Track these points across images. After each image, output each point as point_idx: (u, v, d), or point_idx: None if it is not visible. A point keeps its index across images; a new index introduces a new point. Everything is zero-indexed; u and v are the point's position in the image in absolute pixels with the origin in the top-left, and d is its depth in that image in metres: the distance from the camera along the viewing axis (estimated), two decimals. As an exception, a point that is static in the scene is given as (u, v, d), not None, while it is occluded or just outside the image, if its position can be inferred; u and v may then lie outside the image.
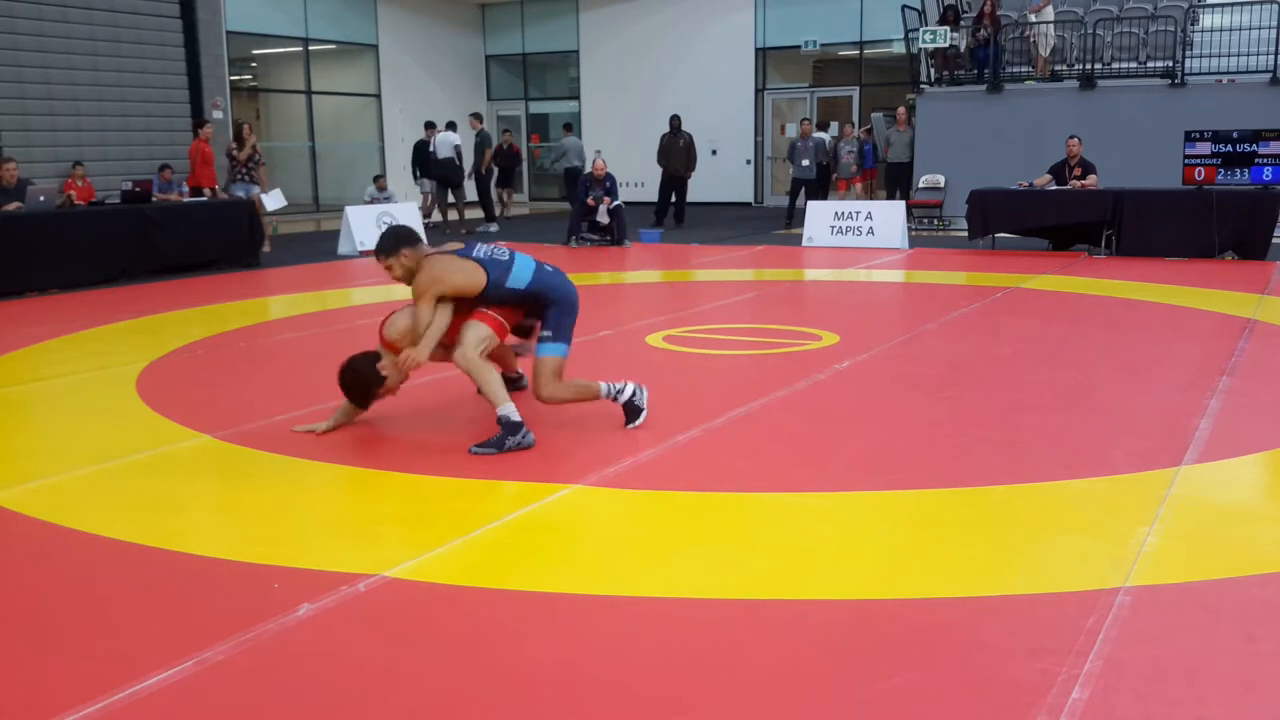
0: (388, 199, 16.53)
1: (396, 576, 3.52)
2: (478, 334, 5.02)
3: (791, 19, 21.96)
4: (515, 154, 19.91)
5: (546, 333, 5.11)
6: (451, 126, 17.73)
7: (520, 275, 5.06)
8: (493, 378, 5.00)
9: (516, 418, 4.92)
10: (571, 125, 21.46)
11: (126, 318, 9.05)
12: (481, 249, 5.13)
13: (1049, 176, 13.35)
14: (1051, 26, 16.74)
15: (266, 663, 2.96)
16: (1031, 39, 16.82)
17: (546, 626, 3.20)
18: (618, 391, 5.23)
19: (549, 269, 5.16)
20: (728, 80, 22.58)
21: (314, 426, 5.28)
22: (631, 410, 5.26)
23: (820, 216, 14.71)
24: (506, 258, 5.10)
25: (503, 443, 4.90)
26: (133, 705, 2.72)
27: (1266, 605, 3.27)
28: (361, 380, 5.20)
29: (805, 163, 17.07)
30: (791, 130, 22.70)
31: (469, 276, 5.00)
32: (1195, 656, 2.95)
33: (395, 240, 5.10)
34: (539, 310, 5.17)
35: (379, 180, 17.06)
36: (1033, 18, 16.77)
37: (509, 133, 20.39)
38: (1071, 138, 13.30)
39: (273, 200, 14.51)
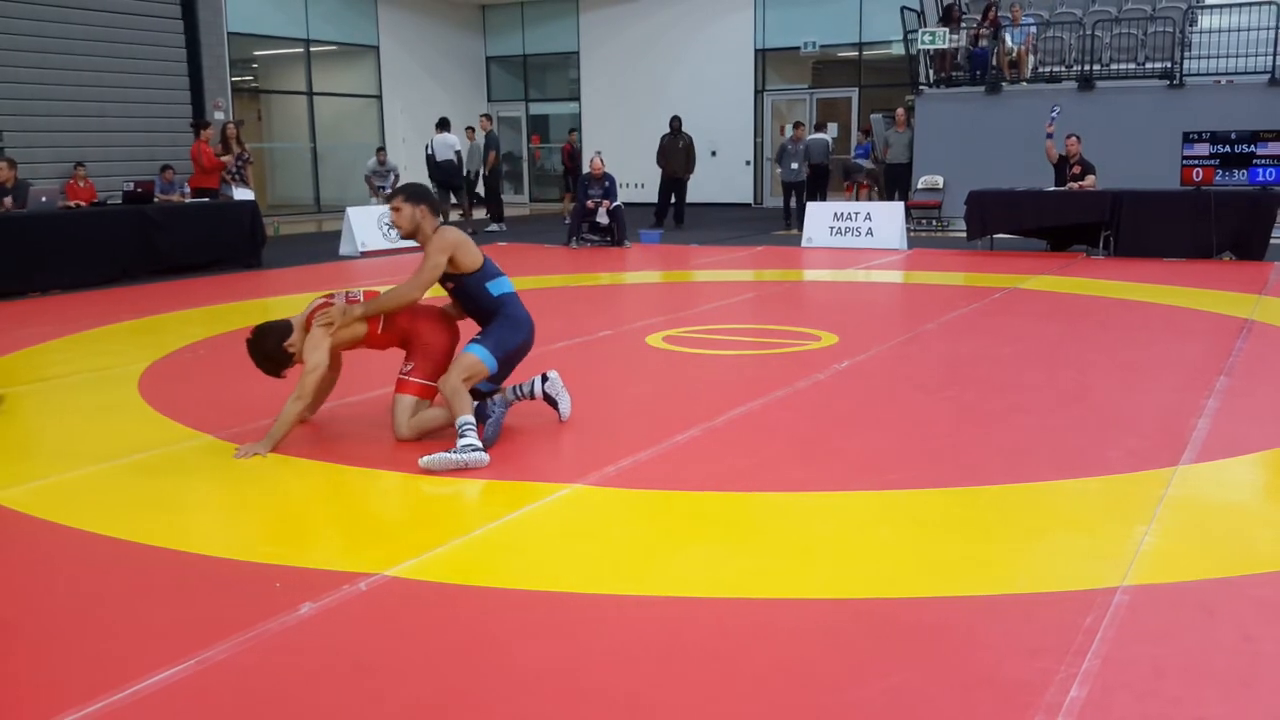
0: (390, 171, 16.53)
1: (398, 575, 3.53)
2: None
3: (791, 20, 21.98)
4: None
5: (479, 336, 5.08)
6: (446, 126, 17.68)
7: (500, 286, 5.18)
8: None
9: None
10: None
11: (128, 318, 9.07)
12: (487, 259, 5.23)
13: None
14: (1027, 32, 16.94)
15: (268, 662, 2.97)
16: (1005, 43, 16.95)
17: (547, 626, 3.21)
18: (528, 391, 5.30)
19: (522, 312, 5.21)
20: (727, 81, 22.61)
21: (255, 448, 4.96)
22: (552, 400, 5.32)
23: (819, 217, 14.73)
24: (498, 270, 5.22)
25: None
26: (134, 705, 2.73)
27: (1264, 604, 3.28)
28: (269, 359, 5.20)
29: (794, 165, 17.07)
30: (790, 131, 22.75)
31: (474, 257, 5.11)
32: (1193, 655, 2.96)
33: (422, 194, 5.18)
34: (488, 322, 5.16)
35: (380, 153, 17.08)
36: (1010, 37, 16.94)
37: (574, 132, 20.11)
38: (1070, 136, 13.33)
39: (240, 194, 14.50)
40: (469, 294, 5.17)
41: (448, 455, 4.64)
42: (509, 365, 5.18)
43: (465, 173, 17.78)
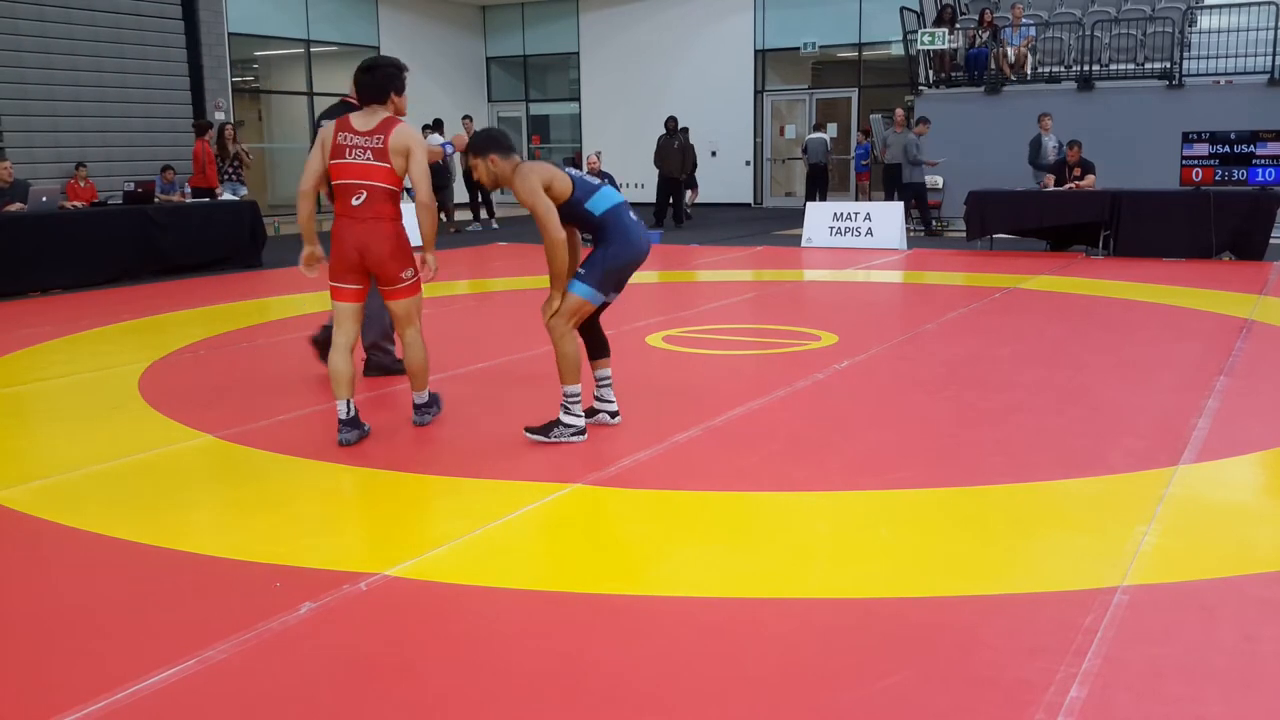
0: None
1: (398, 575, 3.53)
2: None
3: (790, 21, 21.99)
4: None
5: (581, 270, 5.04)
6: (438, 127, 17.66)
7: (599, 203, 5.01)
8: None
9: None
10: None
11: (129, 318, 9.07)
12: (573, 170, 5.08)
13: (1052, 176, 13.43)
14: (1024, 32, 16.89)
15: (268, 661, 2.97)
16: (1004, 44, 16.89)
17: (547, 625, 3.21)
18: (591, 411, 5.32)
19: (632, 216, 5.10)
20: (727, 82, 22.62)
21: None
22: (596, 413, 5.36)
23: (819, 217, 14.73)
24: (595, 183, 5.08)
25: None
26: (134, 704, 2.73)
27: (1264, 604, 3.28)
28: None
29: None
30: (791, 131, 22.76)
31: (563, 184, 4.94)
32: (1193, 655, 2.96)
33: (482, 145, 5.01)
34: (598, 242, 5.08)
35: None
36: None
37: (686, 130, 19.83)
38: (1071, 146, 13.34)
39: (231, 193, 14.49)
40: (574, 219, 5.05)
41: (545, 435, 5.04)
42: (620, 284, 5.13)
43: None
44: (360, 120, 5.08)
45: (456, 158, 17.21)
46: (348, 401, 5.08)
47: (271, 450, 5.02)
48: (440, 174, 17.35)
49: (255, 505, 4.33)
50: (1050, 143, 14.29)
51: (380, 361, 6.59)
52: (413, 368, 5.30)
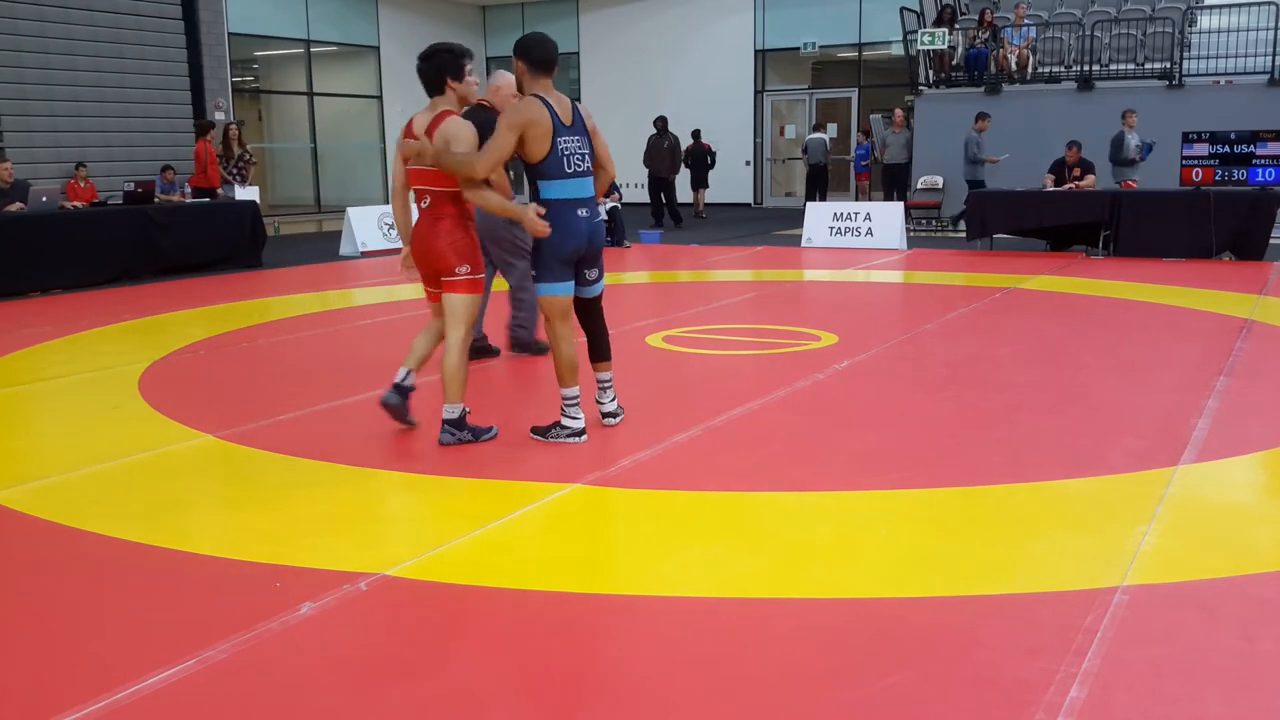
0: None
1: (398, 575, 3.53)
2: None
3: (790, 21, 21.99)
4: (707, 150, 19.76)
5: (533, 272, 5.00)
6: None
7: (552, 189, 4.83)
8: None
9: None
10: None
11: (129, 318, 9.08)
12: (571, 144, 4.86)
13: (1051, 176, 13.43)
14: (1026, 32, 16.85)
15: (268, 661, 2.97)
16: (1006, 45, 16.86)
17: (547, 625, 3.21)
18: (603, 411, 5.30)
19: (579, 213, 4.88)
20: (727, 82, 22.62)
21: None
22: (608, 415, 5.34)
23: (819, 217, 14.74)
24: (570, 170, 4.84)
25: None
26: (134, 704, 2.74)
27: (1264, 604, 3.28)
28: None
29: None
30: (791, 131, 22.77)
31: (538, 146, 4.76)
32: (1193, 655, 2.96)
33: (528, 47, 4.97)
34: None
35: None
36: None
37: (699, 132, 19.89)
38: (1071, 146, 13.33)
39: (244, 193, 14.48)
40: (530, 183, 4.90)
41: (544, 435, 5.07)
42: (580, 267, 5.01)
43: None
44: (420, 120, 5.05)
45: None
46: (407, 371, 5.18)
47: (271, 450, 5.02)
48: None
49: (255, 505, 4.33)
50: (1133, 141, 13.79)
51: (521, 339, 7.25)
52: (444, 373, 5.03)
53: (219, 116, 17.39)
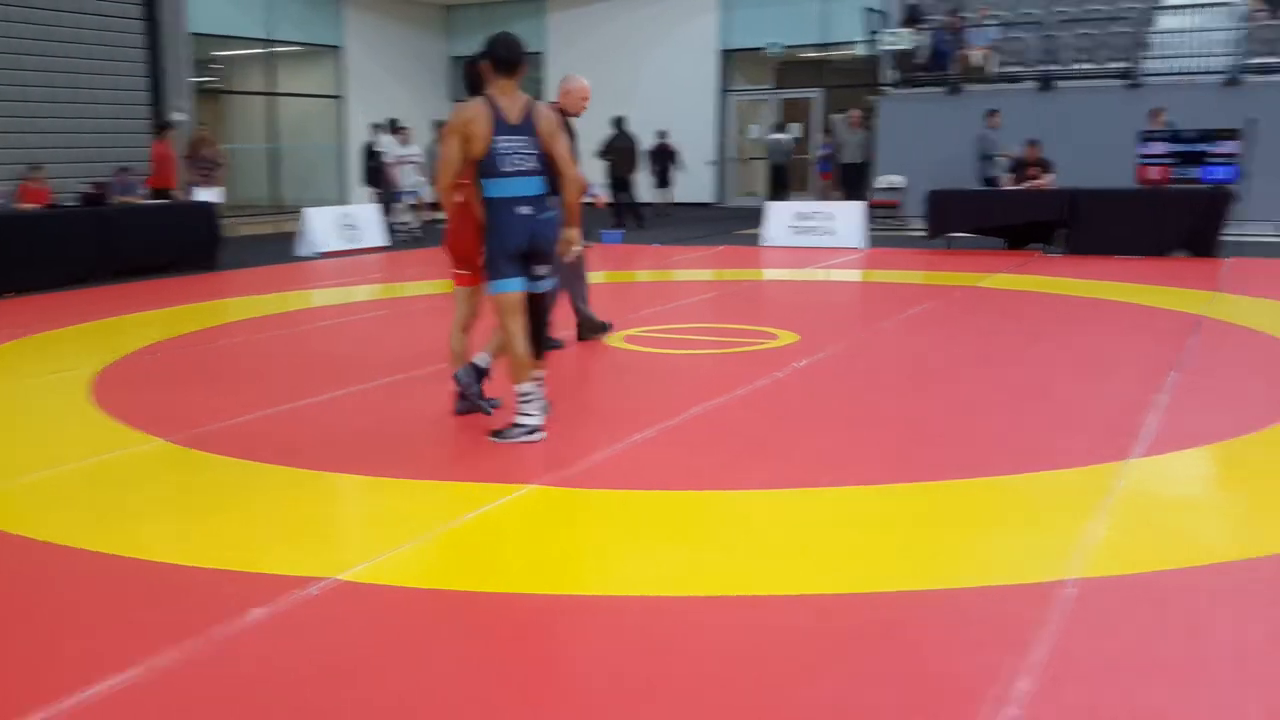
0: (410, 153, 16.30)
1: (350, 580, 3.50)
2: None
3: (755, 21, 22.03)
4: (671, 151, 19.84)
5: (486, 270, 5.09)
6: (392, 127, 17.55)
7: (491, 187, 4.91)
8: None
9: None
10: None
11: (82, 321, 8.95)
12: (514, 143, 4.90)
13: (1010, 175, 13.56)
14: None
15: (217, 668, 2.94)
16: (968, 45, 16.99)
17: (502, 628, 3.20)
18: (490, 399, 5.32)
19: (520, 211, 4.91)
20: (692, 82, 22.63)
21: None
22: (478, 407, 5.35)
23: (780, 217, 14.79)
24: (508, 169, 4.88)
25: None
26: (80, 712, 2.69)
27: (1211, 596, 3.32)
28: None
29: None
30: (754, 131, 22.82)
31: (476, 144, 4.85)
32: (1141, 647, 2.99)
33: (493, 47, 5.11)
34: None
35: (401, 134, 16.78)
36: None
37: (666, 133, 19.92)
38: (1031, 144, 13.47)
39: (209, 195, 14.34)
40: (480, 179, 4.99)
41: (501, 437, 5.04)
42: (529, 262, 5.03)
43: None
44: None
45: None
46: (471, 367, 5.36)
47: (225, 454, 4.96)
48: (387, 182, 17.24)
49: (206, 510, 4.28)
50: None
51: (589, 324, 7.54)
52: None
53: (178, 117, 17.19)
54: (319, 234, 14.35)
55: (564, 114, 6.40)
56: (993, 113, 14.95)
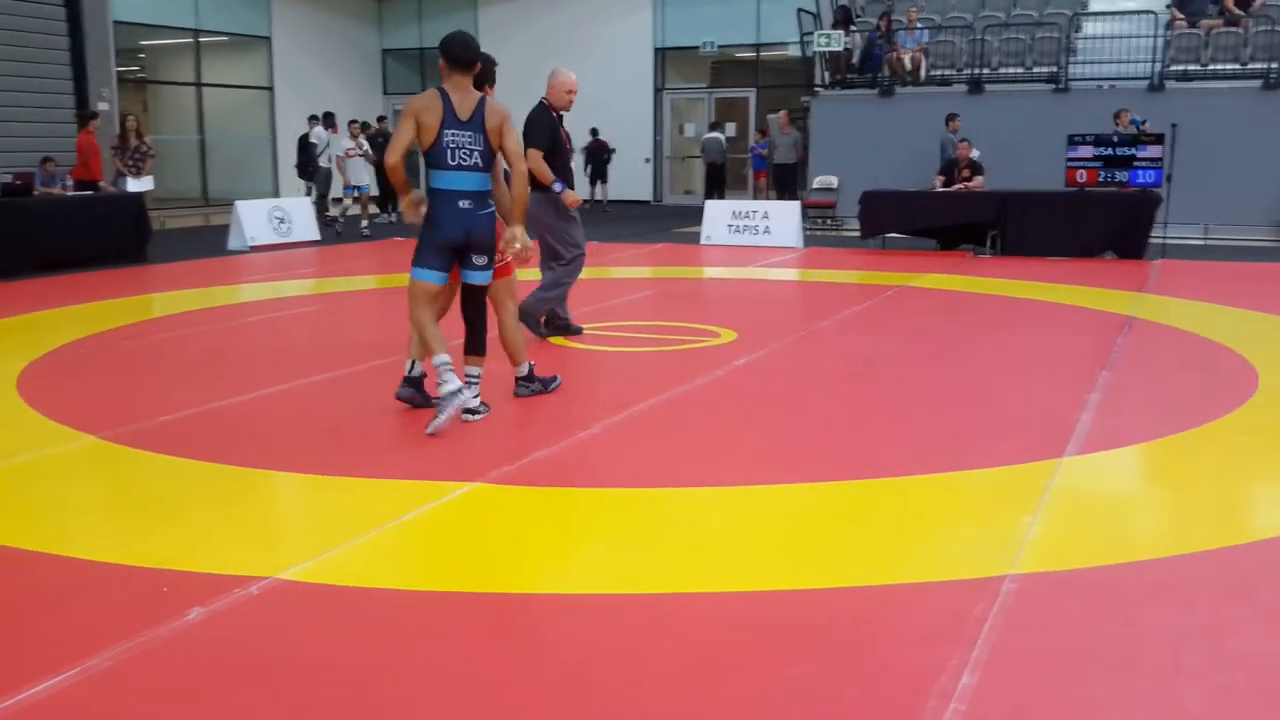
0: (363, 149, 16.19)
1: (291, 579, 3.45)
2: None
3: (690, 20, 22.11)
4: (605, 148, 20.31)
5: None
6: (327, 121, 17.37)
7: (434, 178, 5.09)
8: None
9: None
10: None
11: (5, 315, 8.70)
12: (460, 138, 5.05)
13: (941, 177, 13.75)
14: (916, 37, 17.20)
15: (154, 669, 2.88)
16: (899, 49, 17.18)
17: (445, 627, 3.17)
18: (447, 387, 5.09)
19: (460, 205, 5.05)
20: (627, 79, 22.63)
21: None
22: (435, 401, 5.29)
23: (718, 216, 14.86)
24: (453, 162, 5.04)
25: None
26: (14, 715, 2.62)
27: (1144, 590, 3.41)
28: None
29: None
30: (690, 130, 22.90)
31: (425, 133, 5.03)
32: (1078, 640, 3.06)
33: (449, 45, 5.24)
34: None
35: (354, 126, 16.66)
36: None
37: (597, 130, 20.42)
38: (961, 141, 13.70)
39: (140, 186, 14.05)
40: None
41: (439, 414, 4.99)
42: (453, 259, 5.16)
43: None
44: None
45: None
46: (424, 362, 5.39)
47: (158, 451, 4.86)
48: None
49: (140, 508, 4.19)
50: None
51: (557, 321, 7.64)
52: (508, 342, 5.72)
53: (102, 107, 16.78)
54: (250, 227, 14.10)
55: (553, 110, 6.65)
56: (952, 117, 15.25)
